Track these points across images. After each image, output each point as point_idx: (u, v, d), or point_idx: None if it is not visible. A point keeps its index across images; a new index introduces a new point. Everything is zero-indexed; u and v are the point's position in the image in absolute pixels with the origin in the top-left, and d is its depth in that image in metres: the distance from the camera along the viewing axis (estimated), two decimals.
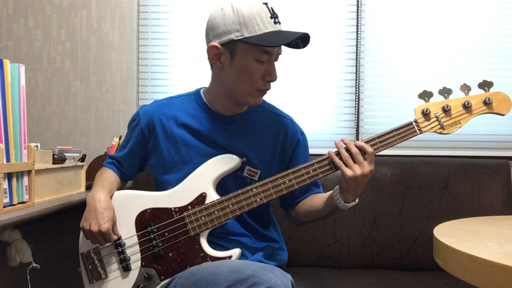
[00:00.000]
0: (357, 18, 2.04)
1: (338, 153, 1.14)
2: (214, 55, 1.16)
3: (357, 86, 2.05)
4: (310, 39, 1.14)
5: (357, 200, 1.16)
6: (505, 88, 1.17)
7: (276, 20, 1.14)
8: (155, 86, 2.09)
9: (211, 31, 1.16)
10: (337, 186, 1.17)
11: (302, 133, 1.34)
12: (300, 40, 1.14)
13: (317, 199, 1.26)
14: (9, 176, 1.10)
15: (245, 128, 1.26)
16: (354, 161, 1.11)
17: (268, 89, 1.20)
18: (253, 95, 1.18)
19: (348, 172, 1.10)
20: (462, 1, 2.03)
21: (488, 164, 1.78)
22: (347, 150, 1.12)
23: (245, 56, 1.13)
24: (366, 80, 2.06)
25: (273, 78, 1.16)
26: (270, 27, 1.12)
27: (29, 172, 1.18)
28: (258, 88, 1.17)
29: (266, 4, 1.14)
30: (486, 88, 1.17)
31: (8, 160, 1.10)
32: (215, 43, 1.14)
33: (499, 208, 1.73)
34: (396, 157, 1.85)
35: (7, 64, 1.11)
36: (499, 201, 1.73)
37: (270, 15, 1.13)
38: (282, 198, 1.29)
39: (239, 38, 1.11)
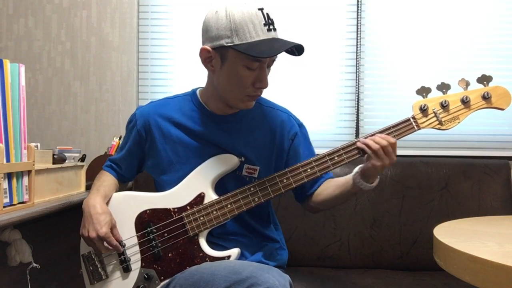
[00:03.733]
0: (357, 18, 2.04)
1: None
2: (205, 58, 1.16)
3: (357, 86, 2.04)
4: (305, 49, 1.12)
5: (377, 181, 1.19)
6: (505, 87, 1.16)
7: (270, 28, 1.10)
8: (155, 86, 2.09)
9: (204, 33, 1.15)
10: (355, 172, 1.19)
11: (301, 125, 1.33)
12: (296, 48, 1.12)
13: (333, 188, 1.27)
14: (9, 176, 1.10)
15: (241, 126, 1.26)
16: (385, 152, 1.12)
17: (259, 95, 1.19)
18: (243, 100, 1.18)
19: (379, 162, 1.12)
20: (462, 1, 2.03)
21: (488, 164, 1.78)
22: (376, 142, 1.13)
23: (235, 63, 1.11)
24: (366, 80, 2.05)
25: (264, 85, 1.15)
26: (262, 35, 1.09)
27: (29, 172, 1.18)
28: (248, 94, 1.16)
29: (261, 9, 1.10)
30: (485, 82, 1.16)
31: (8, 160, 1.10)
32: (207, 46, 1.14)
33: (499, 208, 1.72)
34: (396, 157, 1.85)
35: (7, 64, 1.11)
36: (499, 201, 1.73)
37: (264, 22, 1.09)
38: (295, 191, 1.31)
39: (229, 44, 1.09)
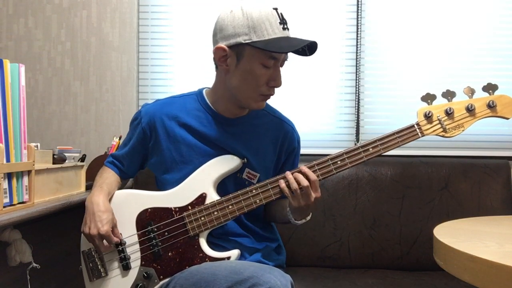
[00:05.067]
0: (357, 18, 2.04)
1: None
2: (220, 57, 1.16)
3: (357, 86, 2.04)
4: (318, 47, 1.14)
5: (307, 218, 1.20)
6: (507, 88, 1.16)
7: (285, 26, 1.13)
8: (155, 86, 2.09)
9: (219, 32, 1.16)
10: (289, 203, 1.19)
11: (299, 142, 1.35)
12: (308, 48, 1.13)
13: (279, 207, 1.28)
14: (9, 176, 1.10)
15: (246, 131, 1.26)
16: (302, 191, 1.12)
17: (272, 94, 1.20)
18: (257, 99, 1.18)
19: (295, 203, 1.13)
20: (462, 1, 2.03)
21: (488, 164, 1.78)
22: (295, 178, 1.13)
23: (251, 60, 1.13)
24: (366, 80, 2.05)
25: (278, 83, 1.16)
26: (278, 32, 1.11)
27: (29, 172, 1.18)
28: (261, 93, 1.17)
29: (276, 9, 1.13)
30: (490, 91, 1.16)
31: (8, 160, 1.10)
32: (223, 44, 1.14)
33: (499, 208, 1.72)
34: (396, 157, 1.85)
35: (7, 64, 1.11)
36: (499, 201, 1.73)
37: (279, 20, 1.12)
38: None
39: (247, 41, 1.10)
